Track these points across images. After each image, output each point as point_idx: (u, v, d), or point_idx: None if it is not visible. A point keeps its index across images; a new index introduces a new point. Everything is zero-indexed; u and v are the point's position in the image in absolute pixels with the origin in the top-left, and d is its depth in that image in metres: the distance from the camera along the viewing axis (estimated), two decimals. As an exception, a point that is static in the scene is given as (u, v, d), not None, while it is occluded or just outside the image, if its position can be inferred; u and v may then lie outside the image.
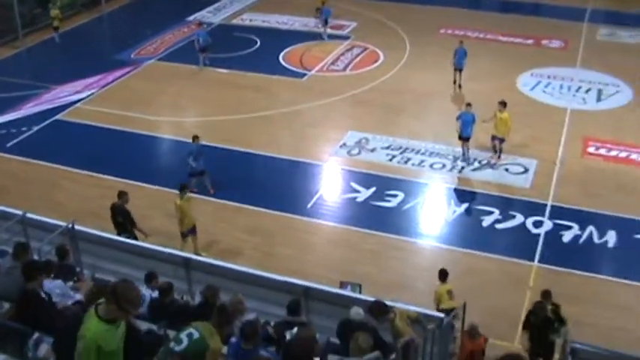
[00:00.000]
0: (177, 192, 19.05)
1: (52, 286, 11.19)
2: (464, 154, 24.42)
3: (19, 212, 15.04)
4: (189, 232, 19.15)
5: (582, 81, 31.57)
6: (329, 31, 36.85)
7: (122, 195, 18.61)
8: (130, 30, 38.46)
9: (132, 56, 34.50)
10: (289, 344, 9.50)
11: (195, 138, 22.32)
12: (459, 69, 30.13)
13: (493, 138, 24.42)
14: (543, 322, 14.44)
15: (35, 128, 26.69)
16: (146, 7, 43.16)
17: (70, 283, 11.97)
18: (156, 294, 12.62)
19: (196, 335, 7.68)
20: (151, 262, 14.85)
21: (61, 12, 37.48)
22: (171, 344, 7.68)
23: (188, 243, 19.16)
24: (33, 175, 23.52)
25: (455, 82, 30.29)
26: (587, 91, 30.64)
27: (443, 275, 16.65)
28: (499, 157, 24.42)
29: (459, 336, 15.86)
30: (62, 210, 19.95)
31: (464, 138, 24.07)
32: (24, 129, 26.60)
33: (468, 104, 24.05)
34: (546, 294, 15.06)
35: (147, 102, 29.11)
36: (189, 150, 22.14)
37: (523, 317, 15.83)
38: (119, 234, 17.81)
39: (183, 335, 7.67)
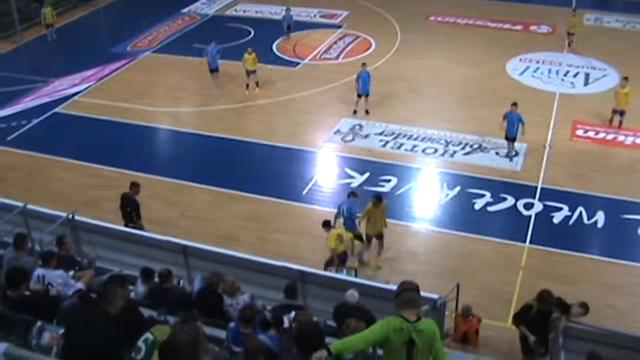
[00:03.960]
0: (174, 181, 19.16)
1: (54, 275, 11.47)
2: (509, 152, 24.37)
3: (20, 204, 15.31)
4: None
5: (570, 65, 32.06)
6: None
7: (133, 186, 18.71)
8: (126, 23, 38.56)
9: (128, 49, 34.71)
10: (297, 330, 8.71)
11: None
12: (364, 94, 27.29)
13: (614, 111, 25.84)
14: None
15: (35, 121, 26.89)
16: (141, 0, 43.30)
17: (72, 272, 12.15)
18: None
19: (151, 338, 7.46)
20: (150, 250, 15.19)
21: (57, 7, 37.75)
22: (132, 354, 7.47)
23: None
24: (33, 168, 23.74)
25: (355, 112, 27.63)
26: (575, 75, 31.12)
27: (326, 225, 17.87)
28: (619, 127, 26.05)
29: (453, 317, 16.27)
30: (62, 201, 20.21)
31: (510, 138, 24.12)
32: (24, 122, 26.81)
33: (514, 104, 23.92)
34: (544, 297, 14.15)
35: (143, 93, 29.36)
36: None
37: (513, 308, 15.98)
38: (126, 225, 18.07)
39: (140, 342, 7.49)
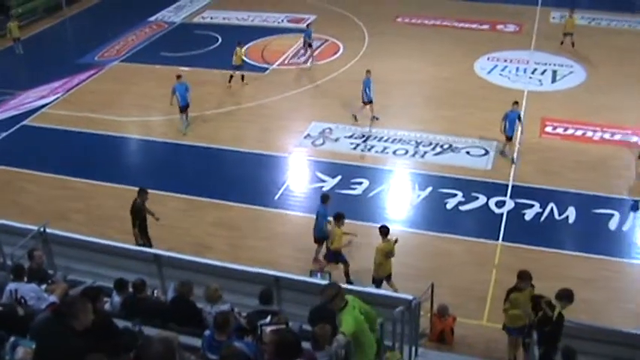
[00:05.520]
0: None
1: (27, 289, 11.35)
2: (503, 152, 24.39)
3: (-10, 219, 15.18)
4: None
5: (537, 63, 32.33)
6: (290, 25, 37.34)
7: (140, 193, 18.59)
8: (93, 33, 38.38)
9: (95, 59, 34.49)
10: (275, 338, 8.93)
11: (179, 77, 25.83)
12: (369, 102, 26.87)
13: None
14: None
15: (2, 134, 26.68)
16: (107, 10, 43.00)
17: (44, 286, 12.04)
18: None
19: None
20: (123, 261, 15.08)
21: (23, 19, 37.51)
22: None
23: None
24: (1, 181, 23.50)
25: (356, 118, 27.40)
26: (543, 72, 31.37)
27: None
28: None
29: (429, 317, 16.32)
30: (32, 214, 20.17)
31: (509, 137, 24.09)
32: (-9, 136, 26.55)
33: (515, 102, 24.03)
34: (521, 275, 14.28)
35: (112, 103, 29.19)
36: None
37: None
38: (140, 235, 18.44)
39: None
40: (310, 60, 32.89)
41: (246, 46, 34.56)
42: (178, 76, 26.07)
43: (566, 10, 34.88)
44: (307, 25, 33.94)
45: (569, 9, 34.17)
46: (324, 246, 18.77)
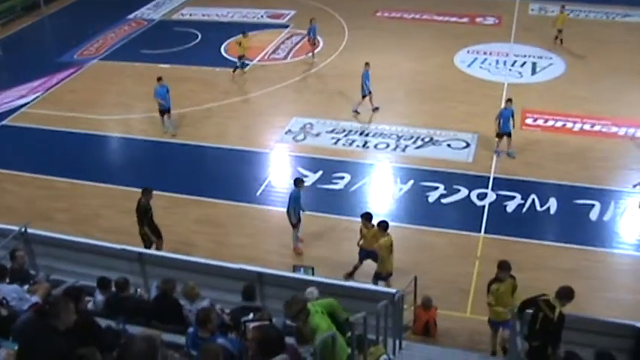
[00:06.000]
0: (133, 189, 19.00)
1: (8, 290, 11.28)
2: (497, 152, 23.99)
3: (-30, 221, 15.10)
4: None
5: (517, 55, 32.45)
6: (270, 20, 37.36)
7: (144, 192, 18.35)
8: (72, 31, 38.13)
9: (75, 57, 34.29)
10: (258, 335, 8.97)
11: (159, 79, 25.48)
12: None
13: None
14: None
15: (-18, 135, 26.47)
16: (86, 8, 42.71)
17: (26, 287, 12.00)
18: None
19: None
20: (106, 260, 15.04)
21: (0, 17, 37.13)
22: None
23: None
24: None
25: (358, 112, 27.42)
26: (522, 65, 31.50)
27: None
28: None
29: (413, 309, 16.40)
30: (13, 214, 20.02)
31: (506, 133, 23.67)
32: (-29, 137, 26.33)
33: (509, 100, 23.90)
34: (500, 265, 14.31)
35: (92, 102, 29.03)
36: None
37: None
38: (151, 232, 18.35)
39: None
40: (311, 54, 32.89)
41: (226, 43, 34.57)
42: (159, 78, 25.72)
43: (545, 2, 34.99)
44: (311, 20, 33.57)
45: (561, 5, 34.22)
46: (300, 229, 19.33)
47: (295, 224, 19.34)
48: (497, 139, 23.96)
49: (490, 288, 14.14)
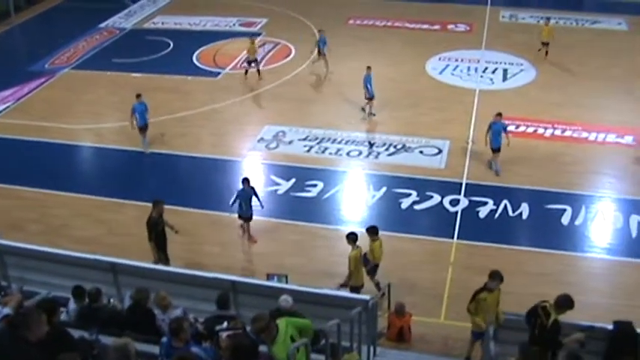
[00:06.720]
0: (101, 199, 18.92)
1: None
2: (491, 166, 23.74)
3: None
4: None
5: (488, 62, 32.70)
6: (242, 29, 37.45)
7: (154, 205, 17.96)
8: (43, 40, 37.83)
9: (46, 66, 34.02)
10: (232, 344, 8.95)
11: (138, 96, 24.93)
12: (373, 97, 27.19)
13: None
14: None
15: (-48, 144, 26.17)
16: (57, 17, 42.42)
17: (-2, 298, 11.86)
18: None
19: None
20: (79, 270, 14.91)
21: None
22: None
23: None
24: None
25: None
26: (494, 71, 31.73)
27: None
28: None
29: (387, 316, 16.41)
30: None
31: (495, 149, 23.43)
32: (-60, 147, 26.02)
33: (499, 114, 23.52)
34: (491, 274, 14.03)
35: (64, 111, 28.83)
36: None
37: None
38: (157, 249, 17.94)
39: None
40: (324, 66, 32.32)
41: (198, 51, 34.53)
42: (138, 95, 25.19)
43: (516, 9, 35.20)
44: (319, 32, 33.11)
45: (546, 18, 34.16)
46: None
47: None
48: (492, 155, 23.68)
49: (476, 296, 14.00)
